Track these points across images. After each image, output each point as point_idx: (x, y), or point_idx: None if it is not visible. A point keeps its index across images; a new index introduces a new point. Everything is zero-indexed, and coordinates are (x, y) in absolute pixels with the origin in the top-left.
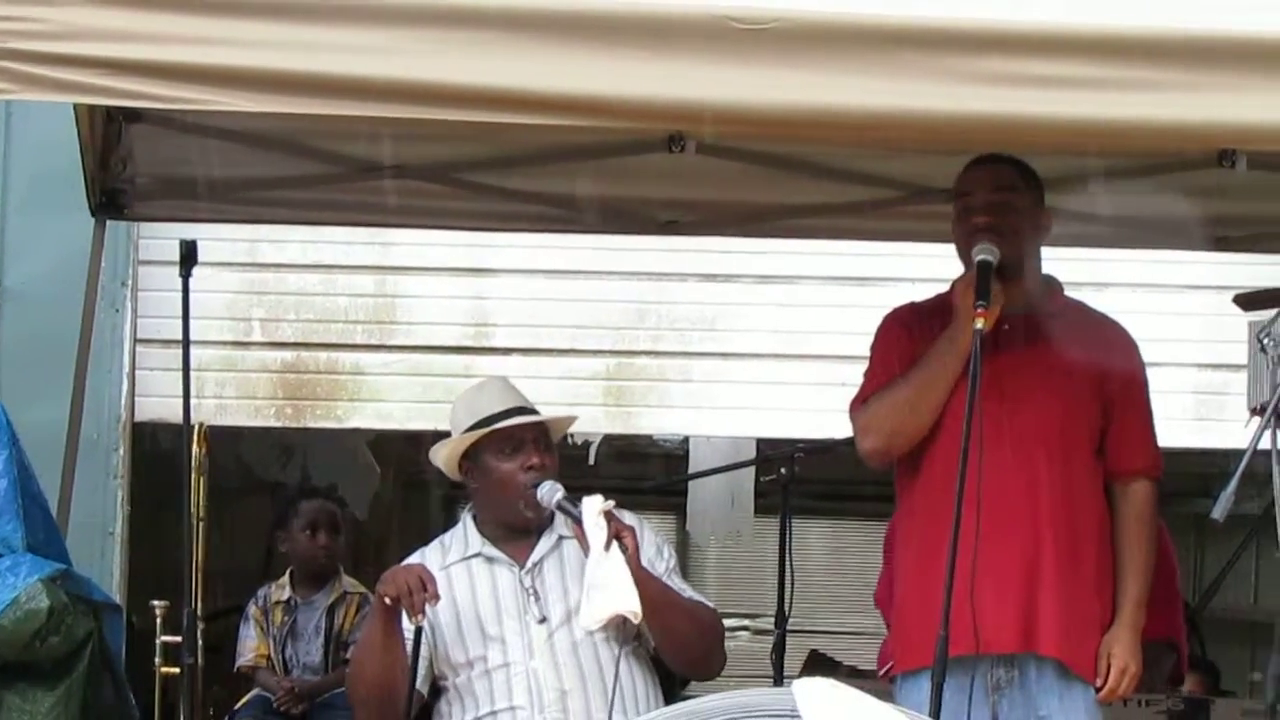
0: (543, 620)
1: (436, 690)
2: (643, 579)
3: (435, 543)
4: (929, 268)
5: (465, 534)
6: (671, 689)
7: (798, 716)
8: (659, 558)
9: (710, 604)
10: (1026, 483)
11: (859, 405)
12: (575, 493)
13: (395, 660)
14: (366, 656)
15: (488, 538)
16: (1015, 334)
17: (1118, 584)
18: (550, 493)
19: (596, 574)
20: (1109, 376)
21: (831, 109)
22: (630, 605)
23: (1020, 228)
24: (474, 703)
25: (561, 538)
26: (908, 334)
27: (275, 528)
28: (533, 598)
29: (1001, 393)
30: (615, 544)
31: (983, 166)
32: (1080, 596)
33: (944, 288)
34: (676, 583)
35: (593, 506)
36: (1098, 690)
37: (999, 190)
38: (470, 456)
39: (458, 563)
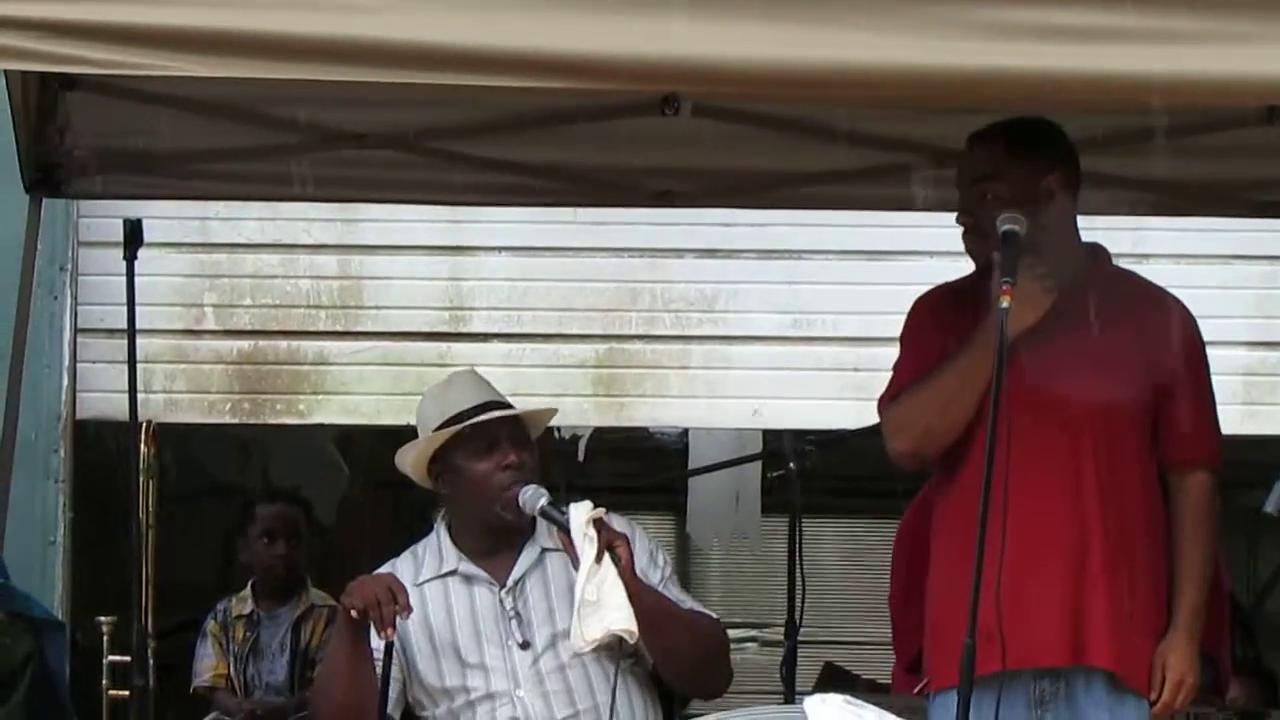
0: (526, 645)
1: (411, 717)
2: (637, 592)
3: (407, 554)
4: (949, 239)
5: (440, 546)
6: (671, 709)
7: None
8: (653, 566)
9: (713, 615)
10: (1071, 476)
11: (888, 402)
12: (565, 494)
13: (363, 679)
14: (332, 675)
15: (464, 551)
16: (1055, 311)
17: (1175, 586)
18: (534, 499)
19: (588, 590)
20: (1162, 356)
21: (841, 66)
22: (626, 624)
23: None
24: None
25: (545, 550)
26: (938, 321)
27: (234, 535)
28: (514, 620)
29: (1041, 379)
30: (608, 555)
31: (965, 153)
32: (1132, 600)
33: (966, 262)
34: (674, 593)
35: (581, 514)
36: (1151, 703)
37: (976, 182)
38: (440, 459)
39: (433, 580)
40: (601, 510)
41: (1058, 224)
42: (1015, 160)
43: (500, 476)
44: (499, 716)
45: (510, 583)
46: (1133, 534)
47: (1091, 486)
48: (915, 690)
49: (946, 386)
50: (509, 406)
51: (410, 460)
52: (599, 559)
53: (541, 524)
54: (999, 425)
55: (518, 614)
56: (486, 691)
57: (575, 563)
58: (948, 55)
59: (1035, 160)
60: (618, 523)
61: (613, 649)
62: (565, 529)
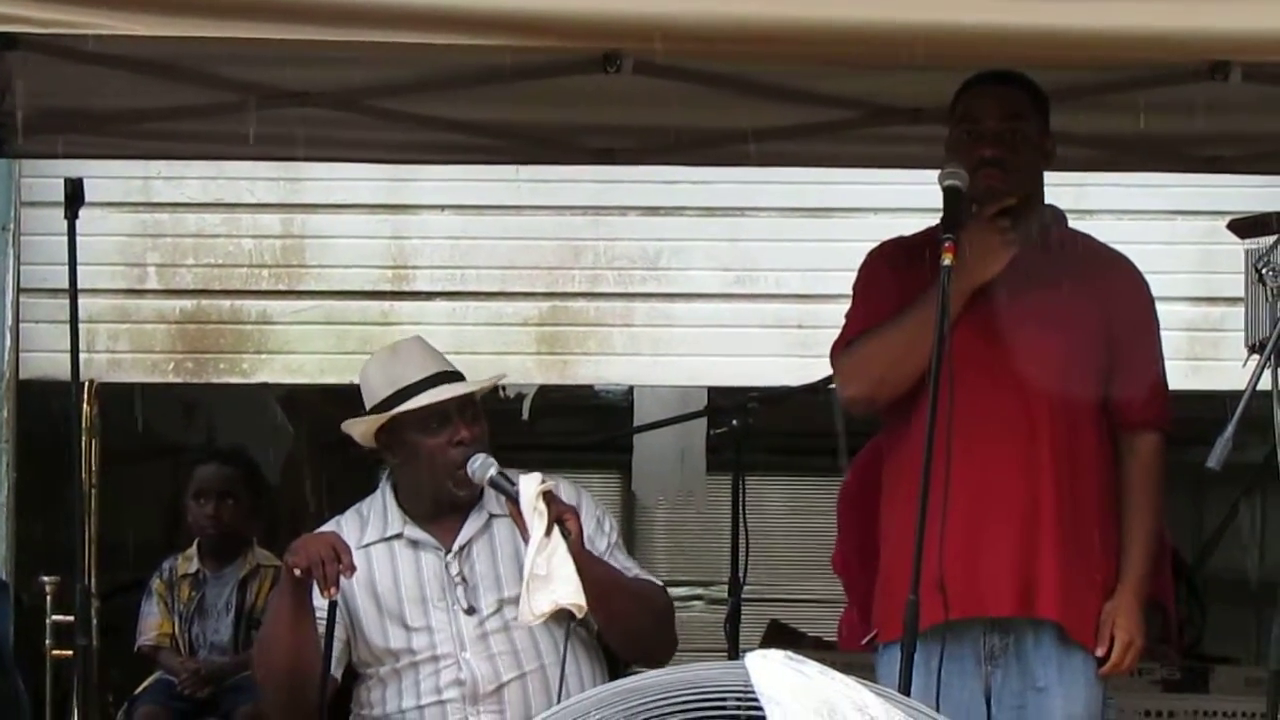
0: (471, 610)
1: (353, 675)
2: (585, 563)
3: (352, 512)
4: (892, 196)
5: (385, 508)
6: (618, 672)
7: (751, 692)
8: (599, 533)
9: (658, 582)
10: (1024, 433)
11: (841, 348)
12: (511, 453)
13: (306, 638)
14: (275, 634)
15: (410, 515)
16: (1013, 271)
17: (1123, 546)
18: (483, 469)
19: (537, 564)
20: (1114, 317)
21: (783, 21)
22: (574, 598)
23: (1030, 161)
24: (398, 693)
25: (492, 516)
26: (893, 272)
27: (180, 496)
28: (460, 585)
29: (997, 335)
30: (557, 529)
31: (990, 89)
32: (1082, 556)
33: (909, 219)
34: (620, 560)
35: (531, 487)
36: (1099, 661)
37: (1008, 119)
38: (389, 430)
39: (378, 543)
40: (552, 483)
41: (1038, 185)
42: (1035, 110)
43: (453, 452)
44: (443, 678)
45: (456, 548)
46: (1084, 491)
47: (1044, 443)
48: (864, 641)
49: (903, 335)
50: (459, 376)
51: (358, 432)
52: (548, 532)
53: (489, 490)
54: (946, 380)
55: (464, 579)
56: (431, 654)
57: (525, 536)
58: (890, 10)
59: (1044, 117)
60: (565, 491)
61: (564, 622)
62: (515, 500)
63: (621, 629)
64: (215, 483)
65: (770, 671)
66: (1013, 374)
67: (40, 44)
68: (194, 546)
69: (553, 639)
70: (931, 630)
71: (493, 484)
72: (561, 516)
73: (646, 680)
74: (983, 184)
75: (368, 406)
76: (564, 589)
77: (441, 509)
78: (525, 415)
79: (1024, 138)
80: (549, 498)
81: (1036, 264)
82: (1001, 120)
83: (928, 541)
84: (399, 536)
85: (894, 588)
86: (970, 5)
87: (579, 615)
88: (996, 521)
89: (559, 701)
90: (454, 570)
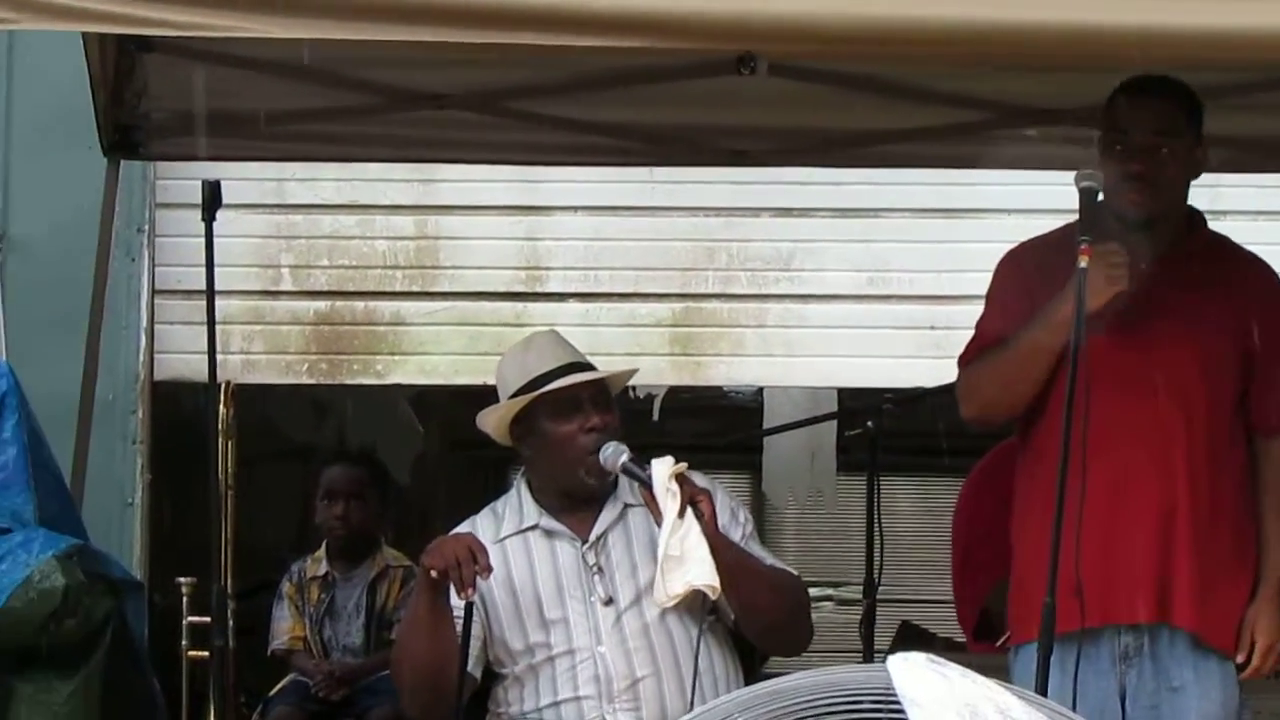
0: (609, 601)
1: (491, 675)
2: (720, 548)
3: (487, 511)
4: (1025, 197)
5: (520, 502)
6: (752, 666)
7: (893, 695)
8: (734, 523)
9: (793, 571)
10: (1161, 437)
11: (965, 361)
12: (641, 453)
13: (444, 640)
14: (412, 636)
15: (545, 507)
16: (1151, 275)
17: (1260, 552)
18: (615, 455)
19: (671, 545)
20: (1252, 320)
21: (920, 22)
22: (709, 579)
23: (1176, 178)
24: (535, 692)
25: (627, 506)
26: (1023, 279)
27: (310, 497)
28: (597, 575)
29: (1134, 340)
30: (690, 510)
31: (1143, 100)
32: (1218, 564)
33: (1043, 219)
34: (755, 549)
35: (663, 470)
36: (1239, 666)
37: (1159, 134)
38: (522, 421)
39: (513, 536)
40: (684, 465)
41: (1181, 197)
42: (1188, 124)
43: (584, 439)
44: (580, 673)
45: (592, 538)
46: (1221, 496)
47: (1180, 449)
48: (998, 643)
49: (1012, 361)
50: (591, 368)
51: (492, 423)
52: (681, 514)
53: (623, 480)
54: (1082, 385)
55: (600, 569)
56: (568, 647)
57: (658, 518)
58: (1031, 10)
59: (1198, 129)
60: (698, 479)
61: (695, 606)
62: (647, 485)
63: (757, 616)
64: (343, 484)
65: (912, 674)
66: (1148, 379)
67: (175, 47)
68: (323, 548)
69: (688, 635)
70: (1068, 633)
71: (625, 470)
72: (695, 498)
73: (787, 683)
74: (1125, 200)
75: (501, 400)
76: (698, 570)
77: (576, 500)
78: (655, 416)
79: (1173, 154)
80: (682, 479)
81: (1174, 266)
82: (1151, 135)
83: (1064, 545)
84: (534, 528)
85: (1029, 590)
86: (1115, 6)
87: (713, 596)
88: (1133, 527)
89: (693, 699)
90: (590, 560)
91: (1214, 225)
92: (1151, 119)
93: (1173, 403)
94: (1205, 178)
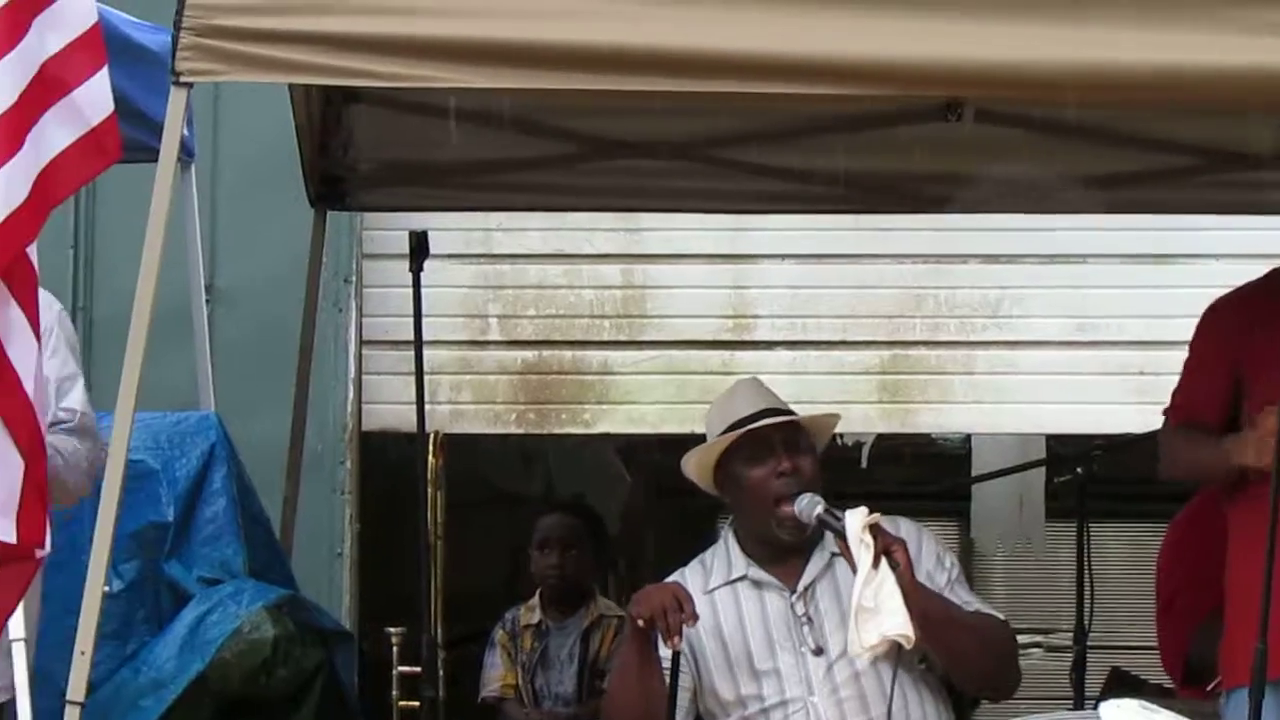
0: (819, 651)
1: None
2: (920, 596)
3: (695, 563)
4: (1234, 242)
5: (728, 553)
6: (963, 712)
7: None
8: (939, 569)
9: (1000, 616)
10: None
11: (1168, 422)
12: (848, 501)
13: (652, 689)
14: (620, 685)
15: (752, 557)
16: None
17: None
18: (810, 507)
19: (865, 596)
20: None
21: (1128, 68)
22: (902, 629)
23: None
24: None
25: (834, 555)
26: (1225, 333)
27: (521, 546)
28: (806, 626)
29: None
30: (884, 561)
31: None
32: None
33: (1252, 265)
34: (961, 595)
35: (856, 520)
36: None
37: None
38: (723, 466)
39: (722, 587)
40: (877, 515)
41: None
42: None
43: (775, 484)
44: None
45: (800, 588)
46: None
47: None
48: (1209, 688)
49: (1207, 464)
50: (789, 413)
51: (693, 468)
52: (876, 564)
53: (829, 532)
54: None
55: (809, 619)
56: (780, 699)
57: (853, 568)
58: (1240, 55)
59: None
60: (904, 526)
61: (900, 654)
62: (841, 535)
63: (961, 663)
64: (559, 533)
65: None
66: None
67: (381, 98)
68: (537, 596)
69: (901, 685)
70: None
71: (820, 521)
72: (889, 548)
73: None
74: None
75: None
76: (891, 620)
77: (780, 550)
78: (863, 463)
79: None
80: (875, 529)
81: None
82: None
83: (1276, 590)
84: (743, 579)
85: (1241, 635)
86: None
87: (908, 646)
88: None
89: None
90: (799, 610)
91: None
92: None
93: None
94: None
